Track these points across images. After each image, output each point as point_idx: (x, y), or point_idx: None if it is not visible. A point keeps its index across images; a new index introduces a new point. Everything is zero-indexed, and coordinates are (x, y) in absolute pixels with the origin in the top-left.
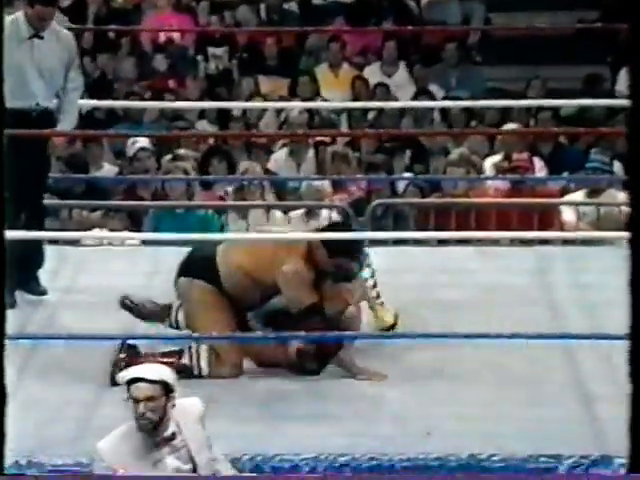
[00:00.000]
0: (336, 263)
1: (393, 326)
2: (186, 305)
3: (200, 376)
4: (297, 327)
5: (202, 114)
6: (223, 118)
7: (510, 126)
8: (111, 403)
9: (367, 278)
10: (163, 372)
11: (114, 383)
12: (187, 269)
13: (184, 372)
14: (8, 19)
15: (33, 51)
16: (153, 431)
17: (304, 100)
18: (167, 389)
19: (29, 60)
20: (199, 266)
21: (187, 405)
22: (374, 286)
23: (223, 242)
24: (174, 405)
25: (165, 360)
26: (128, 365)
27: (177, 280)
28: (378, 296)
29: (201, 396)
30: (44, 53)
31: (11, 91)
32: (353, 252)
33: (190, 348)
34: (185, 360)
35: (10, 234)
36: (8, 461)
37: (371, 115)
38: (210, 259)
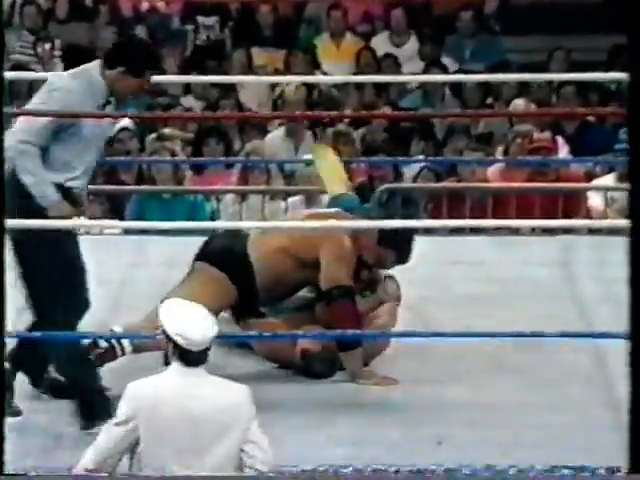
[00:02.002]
0: (379, 252)
1: None
2: (185, 282)
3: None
4: (320, 318)
5: (188, 89)
6: (212, 94)
7: (519, 102)
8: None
9: None
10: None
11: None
12: (206, 255)
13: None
14: (81, 75)
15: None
16: None
17: (302, 74)
18: None
19: (94, 131)
20: (223, 257)
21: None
22: None
23: (252, 232)
24: None
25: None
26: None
27: (193, 264)
28: None
29: None
30: (106, 124)
31: (63, 162)
32: (402, 244)
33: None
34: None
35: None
36: None
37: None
38: (240, 252)
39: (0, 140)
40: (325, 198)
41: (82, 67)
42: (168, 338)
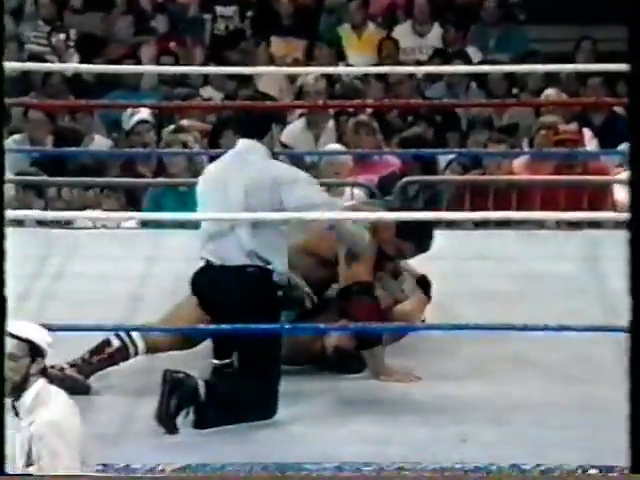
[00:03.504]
0: (399, 245)
1: None
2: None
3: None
4: (338, 314)
5: (206, 79)
6: (231, 85)
7: (550, 92)
8: (105, 405)
9: None
10: (32, 331)
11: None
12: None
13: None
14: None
15: None
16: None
17: (326, 66)
18: (34, 351)
19: None
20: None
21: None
22: None
23: None
24: (42, 372)
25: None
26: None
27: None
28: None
29: None
30: None
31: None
32: (420, 235)
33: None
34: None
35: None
36: None
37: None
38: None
39: (0, 136)
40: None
41: None
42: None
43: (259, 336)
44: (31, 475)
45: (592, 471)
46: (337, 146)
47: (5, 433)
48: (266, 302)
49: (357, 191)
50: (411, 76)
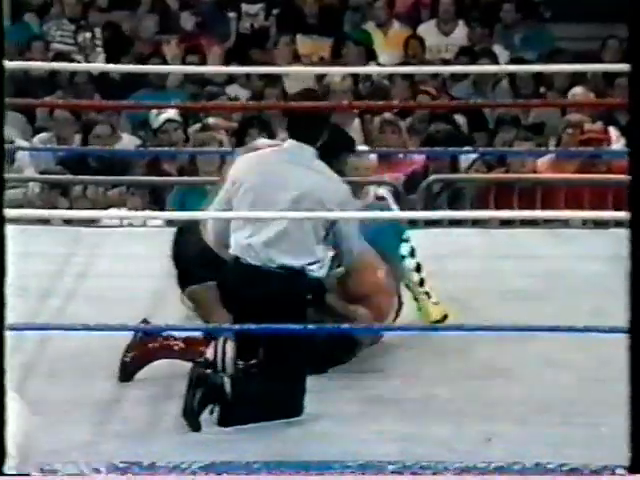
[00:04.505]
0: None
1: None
2: None
3: (223, 371)
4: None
5: (232, 78)
6: (257, 83)
7: (578, 90)
8: (130, 402)
9: (405, 256)
10: None
11: (123, 377)
12: None
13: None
14: None
15: None
16: None
17: (350, 64)
18: None
19: None
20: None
21: None
22: (417, 270)
23: None
24: None
25: (188, 347)
26: (140, 350)
27: None
28: (422, 284)
29: None
30: None
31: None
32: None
33: (217, 342)
34: (209, 355)
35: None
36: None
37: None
38: None
39: (0, 135)
40: (371, 189)
41: None
42: None
43: (285, 335)
44: (31, 475)
45: (619, 471)
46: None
47: (5, 433)
48: (294, 303)
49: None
50: (436, 75)
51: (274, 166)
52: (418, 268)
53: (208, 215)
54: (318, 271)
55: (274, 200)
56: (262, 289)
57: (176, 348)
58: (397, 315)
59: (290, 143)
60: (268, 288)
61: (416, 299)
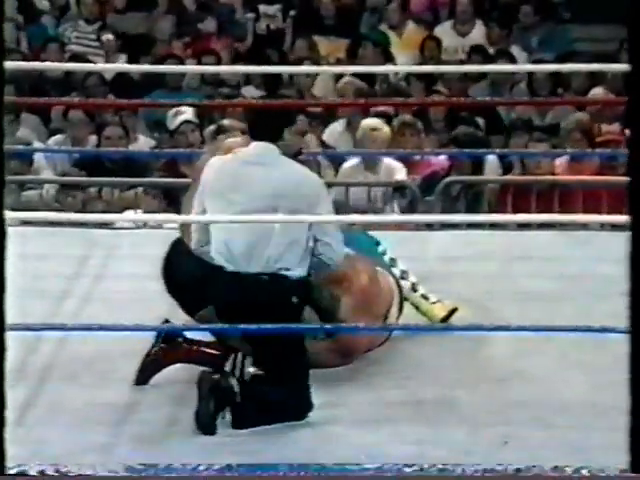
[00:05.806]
0: None
1: (446, 320)
2: None
3: (232, 375)
4: None
5: (248, 79)
6: (272, 84)
7: (597, 91)
8: (147, 405)
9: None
10: None
11: (139, 380)
12: None
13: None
14: None
15: None
16: None
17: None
18: None
19: None
20: None
21: None
22: (404, 277)
23: None
24: None
25: (208, 351)
26: (162, 357)
27: None
28: (415, 289)
29: None
30: None
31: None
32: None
33: (235, 357)
34: (227, 367)
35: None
36: (34, 469)
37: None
38: None
39: (0, 136)
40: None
41: None
42: None
43: (283, 338)
44: (31, 475)
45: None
46: None
47: (5, 433)
48: (282, 308)
49: None
50: (451, 77)
51: (245, 169)
52: (404, 276)
53: (230, 219)
54: (298, 271)
55: (252, 200)
56: (246, 297)
57: (195, 354)
58: (400, 312)
59: (256, 145)
60: (252, 296)
61: (416, 307)
